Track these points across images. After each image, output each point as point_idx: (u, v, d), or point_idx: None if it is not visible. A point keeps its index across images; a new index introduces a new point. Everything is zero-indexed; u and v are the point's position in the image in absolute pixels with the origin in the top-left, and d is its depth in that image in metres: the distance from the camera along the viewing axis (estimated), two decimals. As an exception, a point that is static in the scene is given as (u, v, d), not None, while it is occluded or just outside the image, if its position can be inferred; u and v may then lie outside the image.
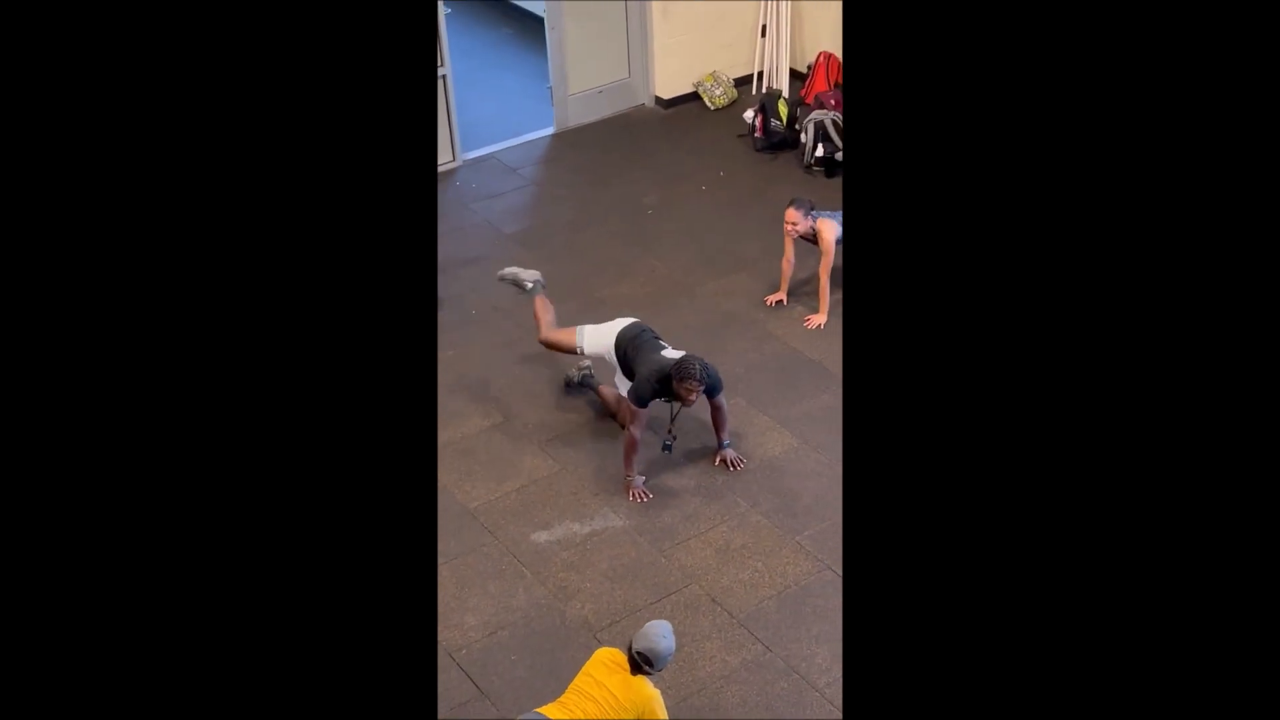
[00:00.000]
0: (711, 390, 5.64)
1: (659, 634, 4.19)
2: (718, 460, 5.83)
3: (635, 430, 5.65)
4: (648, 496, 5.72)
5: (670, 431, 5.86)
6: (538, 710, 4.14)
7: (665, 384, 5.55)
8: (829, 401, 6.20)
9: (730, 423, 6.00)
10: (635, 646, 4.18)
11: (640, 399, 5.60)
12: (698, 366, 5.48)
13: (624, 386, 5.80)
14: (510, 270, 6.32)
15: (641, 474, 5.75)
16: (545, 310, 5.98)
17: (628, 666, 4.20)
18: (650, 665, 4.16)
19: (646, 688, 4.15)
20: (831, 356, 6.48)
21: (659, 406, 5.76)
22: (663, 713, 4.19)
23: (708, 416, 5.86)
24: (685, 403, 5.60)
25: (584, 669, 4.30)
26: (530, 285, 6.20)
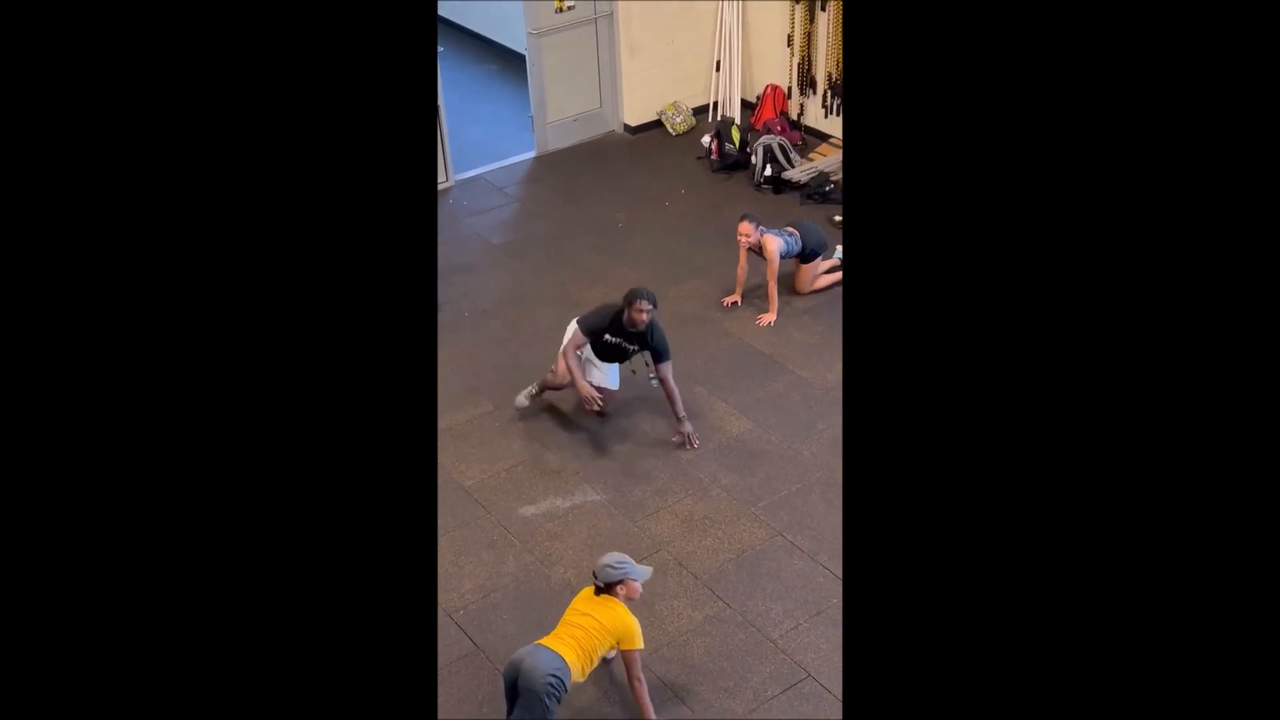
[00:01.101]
0: (659, 353, 5.70)
1: (612, 561, 4.35)
2: (676, 437, 5.85)
3: (568, 348, 5.81)
4: (599, 400, 5.88)
5: (678, 418, 5.90)
6: (541, 644, 4.19)
7: (617, 320, 5.66)
8: (779, 389, 6.25)
9: (691, 408, 5.99)
10: (600, 576, 4.33)
11: (589, 327, 5.73)
12: (644, 290, 5.60)
13: (599, 378, 5.85)
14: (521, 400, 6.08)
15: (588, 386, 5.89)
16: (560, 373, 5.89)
17: (605, 596, 4.30)
18: (614, 584, 4.31)
19: (625, 615, 4.22)
20: (780, 350, 6.54)
21: (630, 383, 5.71)
22: (639, 638, 4.25)
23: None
24: (638, 325, 5.61)
25: (570, 606, 4.36)
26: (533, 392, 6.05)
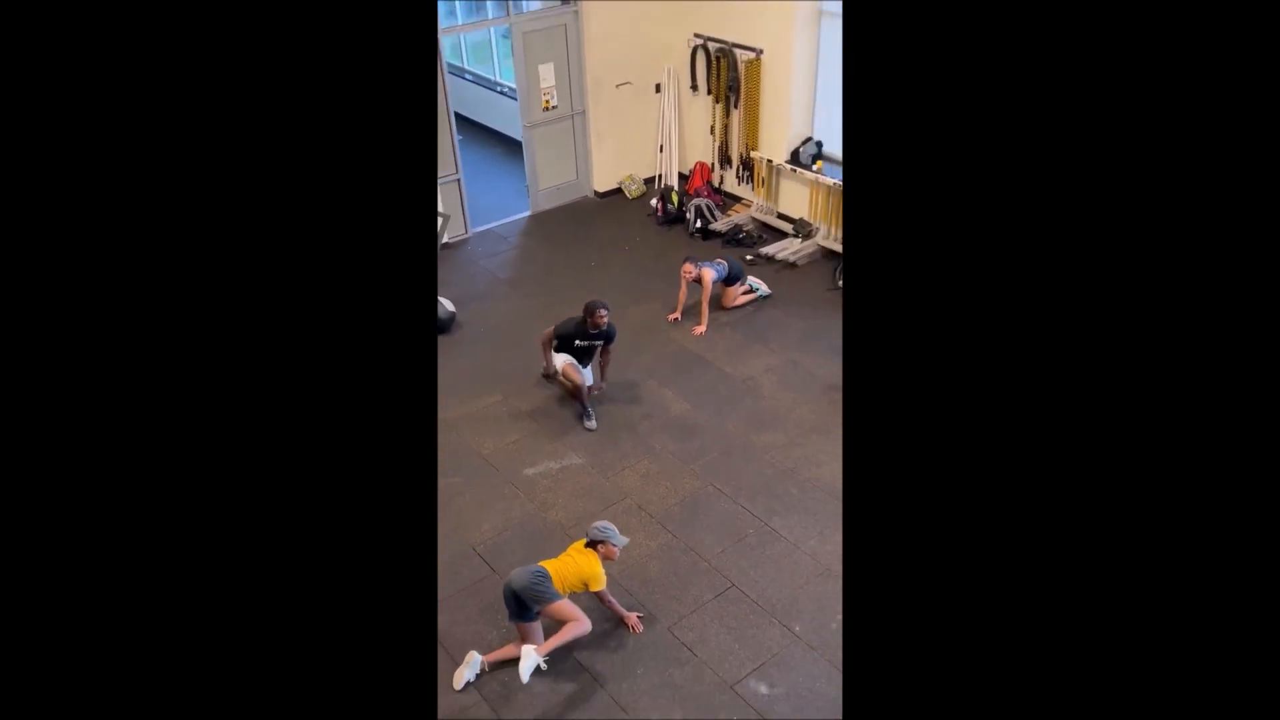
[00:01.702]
0: (610, 339, 5.86)
1: (599, 526, 4.28)
2: (595, 390, 6.02)
3: (546, 338, 5.97)
4: (555, 371, 5.93)
5: (600, 386, 6.06)
6: (538, 565, 4.19)
7: (581, 324, 5.77)
8: (709, 380, 6.26)
9: (644, 395, 6.01)
10: (589, 535, 4.26)
11: (561, 333, 5.81)
12: (599, 300, 5.76)
13: (576, 378, 5.87)
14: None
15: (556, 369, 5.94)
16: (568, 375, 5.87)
17: (590, 550, 4.27)
18: (598, 543, 4.25)
19: (596, 566, 4.22)
20: (709, 352, 6.55)
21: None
22: (599, 582, 4.24)
23: (634, 389, 5.84)
24: (600, 326, 5.72)
25: (567, 549, 4.36)
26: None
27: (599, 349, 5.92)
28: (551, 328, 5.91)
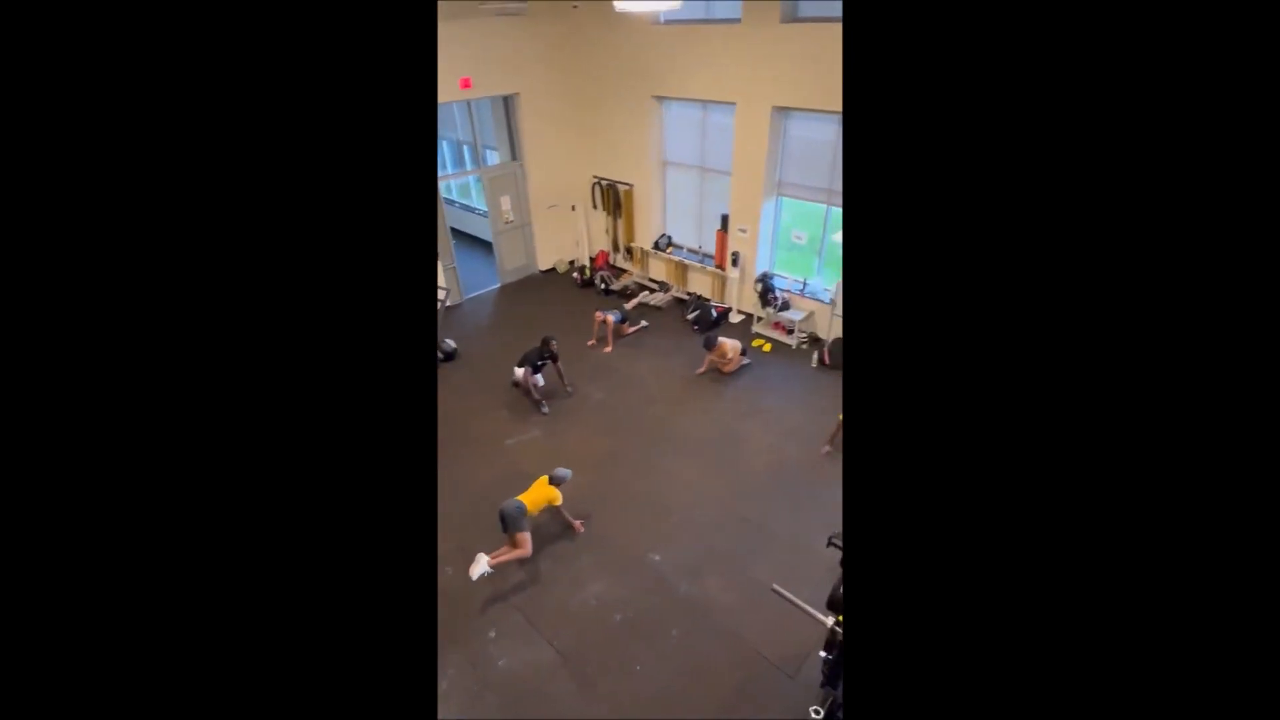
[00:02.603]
0: (554, 357, 5.84)
1: (560, 471, 4.28)
2: (565, 388, 5.93)
3: (519, 369, 5.79)
4: (534, 386, 5.75)
5: (566, 388, 5.94)
6: (517, 498, 4.14)
7: (539, 351, 5.77)
8: (616, 380, 6.27)
9: (579, 391, 5.95)
10: (552, 475, 4.25)
11: (527, 359, 5.76)
12: (552, 336, 5.84)
13: (534, 381, 5.80)
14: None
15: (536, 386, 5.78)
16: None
17: (551, 486, 4.26)
18: (555, 480, 4.25)
19: (555, 493, 4.23)
20: (615, 362, 6.55)
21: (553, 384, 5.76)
22: (558, 500, 4.22)
23: (571, 388, 5.82)
24: (553, 350, 5.68)
25: (533, 484, 4.32)
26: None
27: (551, 364, 5.92)
28: (520, 360, 5.87)
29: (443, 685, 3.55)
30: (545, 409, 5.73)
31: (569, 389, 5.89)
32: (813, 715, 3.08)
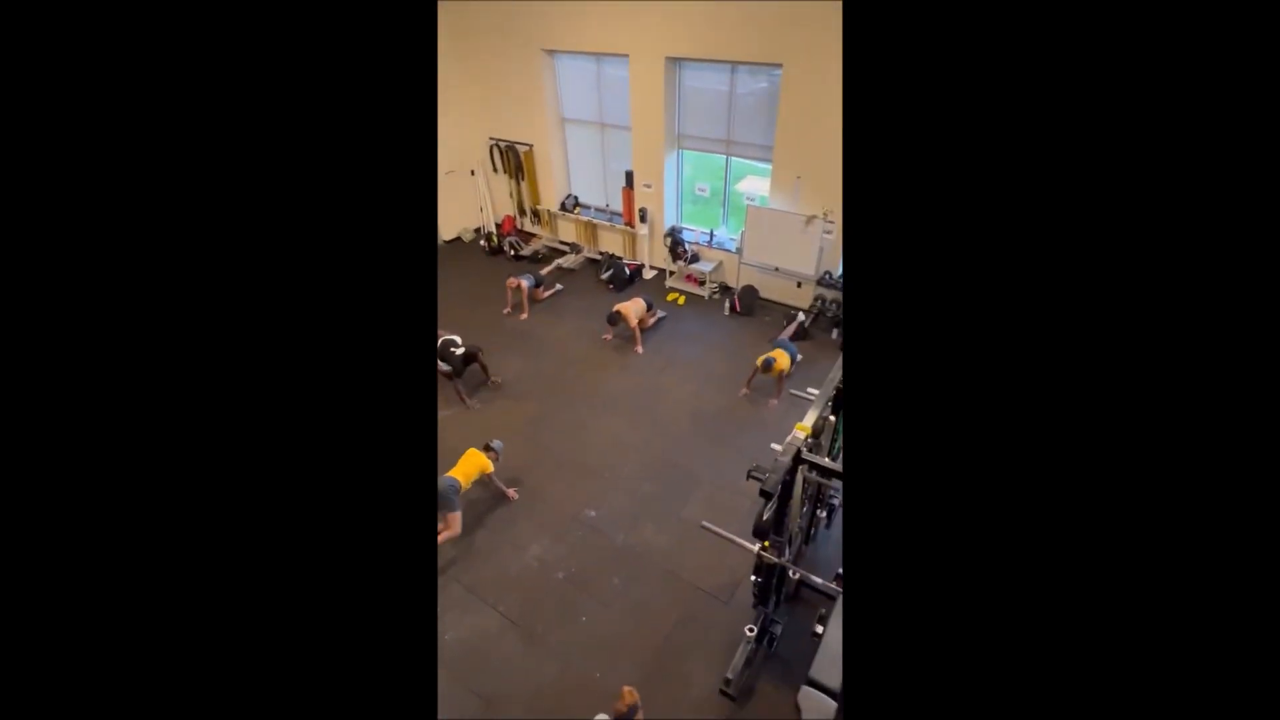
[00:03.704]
0: (475, 357, 5.42)
1: (493, 443, 4.31)
2: (492, 383, 5.67)
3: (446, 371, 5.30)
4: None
5: (493, 379, 5.58)
6: (448, 474, 4.09)
7: (464, 357, 5.33)
8: (534, 345, 6.14)
9: (494, 359, 5.76)
10: (488, 444, 4.28)
11: (444, 359, 5.34)
12: (452, 338, 5.45)
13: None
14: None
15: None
16: None
17: (482, 451, 4.26)
18: (490, 449, 4.27)
19: (486, 460, 4.23)
20: (533, 328, 6.43)
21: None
22: (490, 469, 4.22)
23: (490, 356, 5.67)
24: (474, 358, 5.32)
25: (463, 456, 4.28)
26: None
27: (476, 363, 5.41)
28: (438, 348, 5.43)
29: (389, 666, 3.52)
30: (475, 404, 5.40)
31: (495, 380, 5.59)
32: (747, 633, 3.35)
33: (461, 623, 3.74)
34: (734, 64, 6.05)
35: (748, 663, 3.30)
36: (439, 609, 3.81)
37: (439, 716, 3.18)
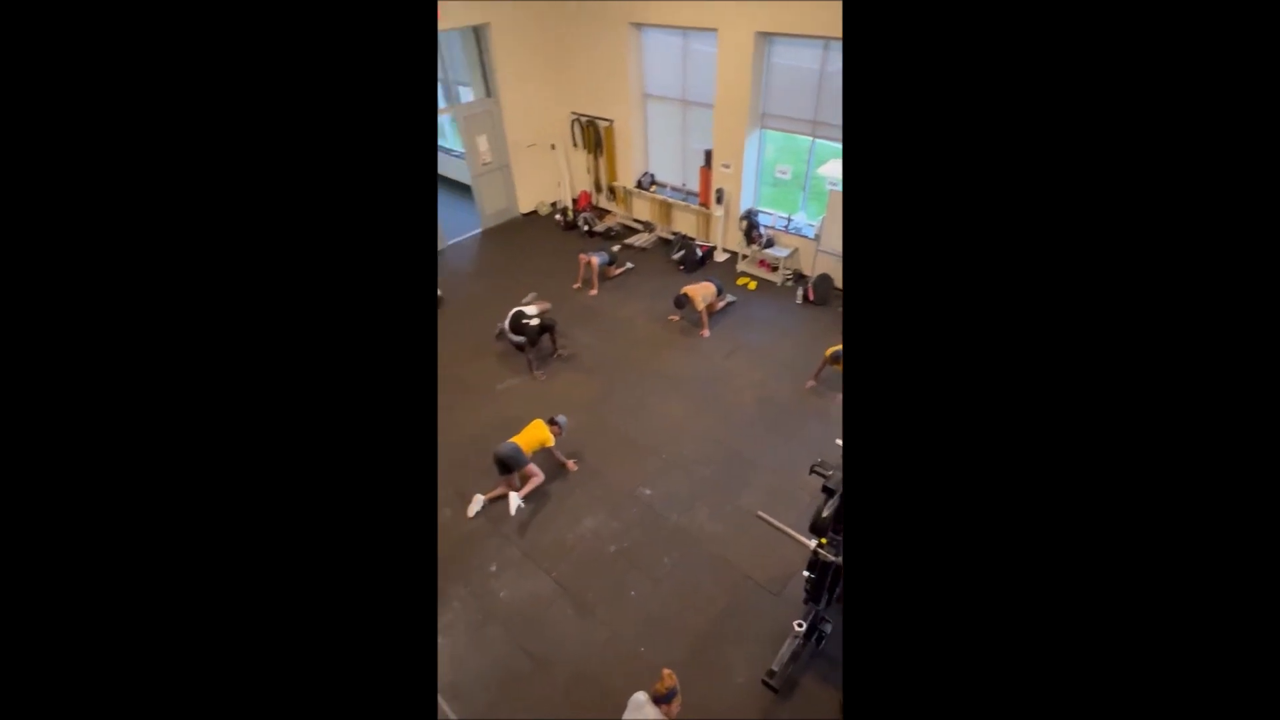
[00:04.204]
0: (550, 328, 5.58)
1: (558, 418, 4.39)
2: (561, 354, 5.80)
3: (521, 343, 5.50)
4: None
5: (560, 352, 5.74)
6: (511, 440, 4.25)
7: (515, 319, 5.47)
8: (603, 323, 6.22)
9: (561, 333, 5.89)
10: (553, 418, 4.36)
11: (518, 330, 5.50)
12: (523, 311, 5.50)
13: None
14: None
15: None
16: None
17: (547, 425, 4.36)
18: (555, 423, 4.36)
19: (548, 432, 4.33)
20: (600, 305, 6.49)
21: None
22: (551, 442, 4.32)
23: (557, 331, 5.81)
24: (548, 329, 5.48)
25: (526, 426, 4.42)
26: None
27: (543, 332, 5.47)
28: (510, 319, 5.48)
29: (447, 617, 3.72)
30: (541, 376, 5.47)
31: (562, 352, 5.69)
32: (796, 627, 3.29)
33: (518, 584, 3.89)
34: (827, 40, 5.74)
35: (793, 657, 3.25)
36: (496, 568, 3.98)
37: (483, 678, 3.27)
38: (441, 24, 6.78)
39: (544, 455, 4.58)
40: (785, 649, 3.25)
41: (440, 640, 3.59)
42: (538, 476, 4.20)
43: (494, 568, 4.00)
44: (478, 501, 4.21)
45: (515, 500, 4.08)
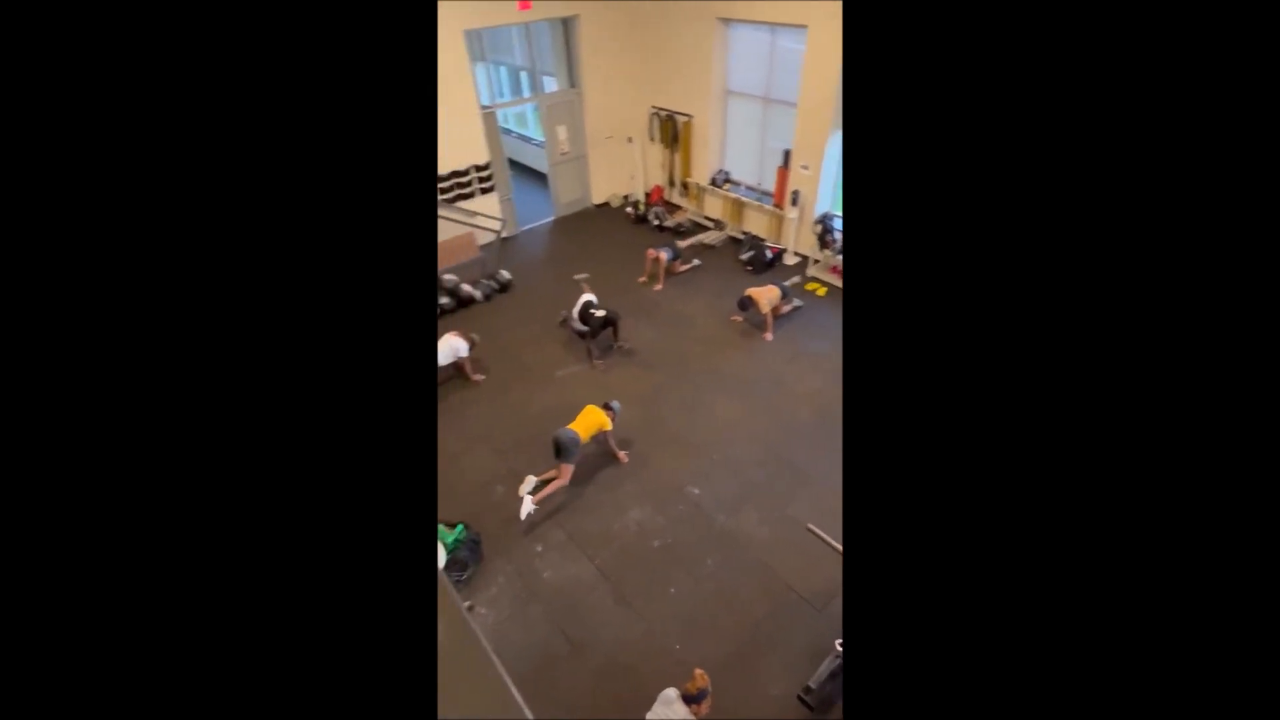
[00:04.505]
0: (606, 322, 5.64)
1: (611, 404, 4.40)
2: (620, 347, 5.86)
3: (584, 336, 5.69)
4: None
5: (620, 344, 5.81)
6: (569, 427, 4.28)
7: (584, 310, 5.62)
8: (664, 317, 6.24)
9: (623, 325, 5.92)
10: (607, 404, 4.38)
11: (585, 322, 5.63)
12: (592, 301, 5.67)
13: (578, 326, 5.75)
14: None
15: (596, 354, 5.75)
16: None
17: (601, 409, 4.38)
18: (609, 408, 4.37)
19: (604, 418, 4.35)
20: (662, 298, 6.51)
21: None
22: (608, 427, 4.34)
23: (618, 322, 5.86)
24: (611, 322, 5.56)
25: (583, 411, 4.43)
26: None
27: (607, 324, 5.60)
28: (579, 308, 5.62)
29: (492, 590, 3.84)
30: (600, 365, 5.55)
31: (622, 345, 5.73)
32: (837, 645, 3.19)
33: (561, 567, 3.97)
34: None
35: (831, 676, 3.16)
36: (541, 548, 4.07)
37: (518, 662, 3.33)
38: (532, 14, 6.93)
39: (597, 444, 4.63)
40: (824, 667, 3.17)
41: (484, 610, 3.71)
42: (562, 479, 4.16)
43: (540, 548, 4.10)
44: (529, 482, 4.31)
45: (528, 504, 4.03)
